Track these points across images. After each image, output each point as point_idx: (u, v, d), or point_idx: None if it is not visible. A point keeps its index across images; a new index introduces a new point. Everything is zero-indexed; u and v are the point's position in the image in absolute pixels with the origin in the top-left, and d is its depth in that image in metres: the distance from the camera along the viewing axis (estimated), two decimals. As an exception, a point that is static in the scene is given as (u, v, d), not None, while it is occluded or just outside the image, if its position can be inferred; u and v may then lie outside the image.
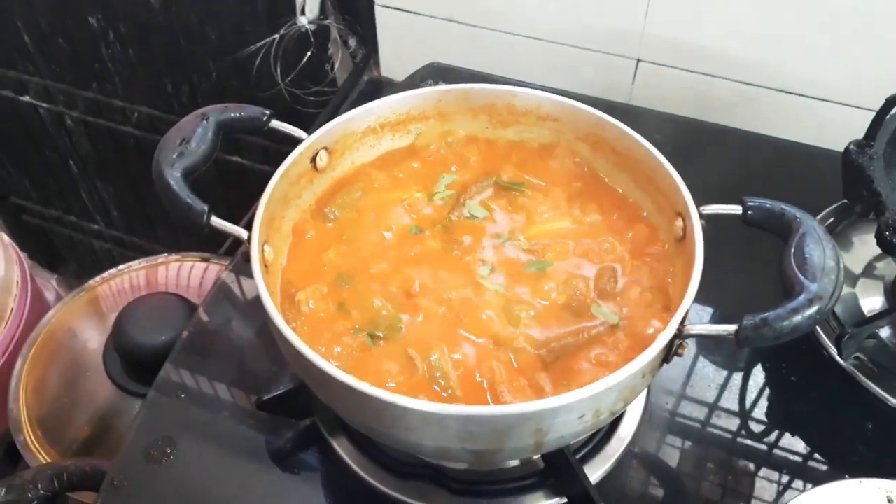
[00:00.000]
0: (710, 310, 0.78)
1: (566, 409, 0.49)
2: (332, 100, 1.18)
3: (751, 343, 0.51)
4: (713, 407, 0.73)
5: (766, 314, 0.50)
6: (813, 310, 0.50)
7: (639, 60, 1.00)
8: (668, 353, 0.53)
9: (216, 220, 0.57)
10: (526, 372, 0.56)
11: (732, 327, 0.51)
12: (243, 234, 0.57)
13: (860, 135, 0.74)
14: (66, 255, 1.96)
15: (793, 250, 0.53)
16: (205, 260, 1.01)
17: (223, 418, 0.69)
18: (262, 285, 0.53)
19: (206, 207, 0.56)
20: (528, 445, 0.51)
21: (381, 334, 0.58)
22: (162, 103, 1.46)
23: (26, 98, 1.57)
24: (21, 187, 1.81)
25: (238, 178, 1.45)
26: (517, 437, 0.50)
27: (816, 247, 0.53)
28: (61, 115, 1.58)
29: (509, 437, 0.50)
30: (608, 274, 0.62)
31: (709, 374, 0.75)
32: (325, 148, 0.66)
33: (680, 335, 0.52)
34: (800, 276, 0.52)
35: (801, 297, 0.50)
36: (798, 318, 0.50)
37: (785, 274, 0.53)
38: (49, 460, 0.85)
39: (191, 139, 0.59)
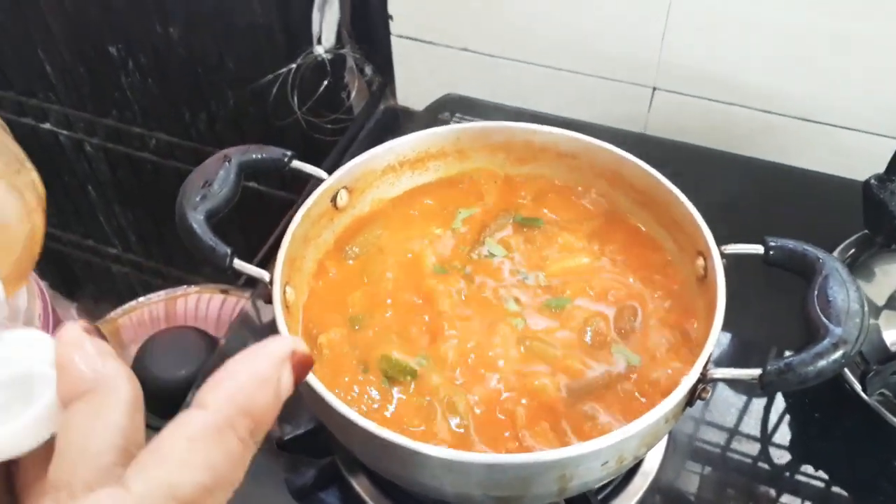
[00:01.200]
0: (731, 341, 0.78)
1: (590, 457, 0.48)
2: (349, 129, 1.19)
3: (775, 388, 0.51)
4: (734, 432, 0.72)
5: (790, 359, 0.50)
6: (838, 354, 0.49)
7: (655, 89, 1.00)
8: (692, 397, 0.53)
9: (238, 263, 0.57)
10: (548, 414, 0.55)
11: (756, 372, 0.50)
12: (265, 276, 0.58)
13: (883, 163, 0.74)
14: (83, 280, 1.98)
15: (816, 293, 0.53)
16: (223, 292, 1.02)
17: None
18: (283, 329, 0.54)
19: (228, 251, 0.57)
20: (551, 492, 0.51)
21: (402, 377, 0.58)
22: (180, 130, 1.48)
23: (47, 125, 1.59)
24: (40, 212, 1.84)
25: (255, 204, 1.47)
26: (541, 484, 0.50)
27: (840, 289, 0.53)
28: (81, 142, 1.60)
29: (533, 485, 0.50)
30: (628, 313, 0.62)
31: (730, 398, 0.74)
32: (346, 187, 0.67)
33: (703, 379, 0.52)
34: (823, 319, 0.51)
35: (826, 342, 0.50)
36: (822, 362, 0.49)
37: (808, 317, 0.52)
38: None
39: (213, 182, 0.60)
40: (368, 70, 1.23)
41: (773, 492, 0.68)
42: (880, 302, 0.81)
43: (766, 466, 0.70)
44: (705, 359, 0.52)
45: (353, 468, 0.66)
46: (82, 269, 1.94)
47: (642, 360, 0.59)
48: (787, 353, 0.51)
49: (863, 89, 0.90)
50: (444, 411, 0.55)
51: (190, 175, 0.61)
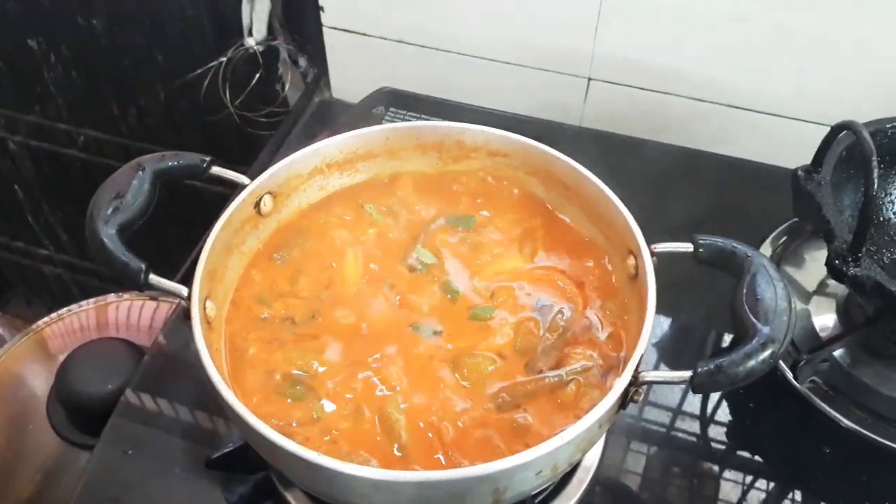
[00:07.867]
0: (668, 330, 0.78)
1: (523, 468, 0.48)
2: (283, 123, 1.15)
3: (706, 389, 0.50)
4: (677, 412, 0.73)
5: (720, 360, 0.49)
6: (766, 353, 0.50)
7: (590, 79, 1.00)
8: (624, 400, 0.52)
9: (154, 278, 0.55)
10: (480, 425, 0.54)
11: (687, 374, 0.50)
12: (182, 291, 0.55)
13: (812, 150, 0.74)
14: (14, 283, 1.90)
15: (744, 291, 0.53)
16: (154, 299, 0.98)
17: (174, 474, 0.67)
18: (203, 348, 0.51)
19: (143, 266, 0.54)
20: (486, 504, 0.50)
21: (329, 387, 0.56)
22: (108, 126, 1.42)
23: (-35, 123, 1.51)
24: (-37, 215, 1.75)
25: (191, 199, 1.42)
26: (475, 498, 0.49)
27: (768, 287, 0.53)
28: (3, 140, 1.53)
29: (466, 499, 0.49)
30: (560, 315, 0.61)
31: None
32: (270, 192, 0.64)
33: (635, 383, 0.52)
34: (752, 318, 0.51)
35: (754, 342, 0.50)
36: (752, 362, 0.49)
37: (737, 316, 0.53)
38: (-8, 519, 0.81)
39: (126, 193, 0.57)
40: (302, 61, 1.19)
41: (714, 467, 0.69)
42: (811, 288, 0.82)
43: (706, 449, 0.70)
44: (636, 362, 0.51)
45: (287, 482, 0.64)
46: (12, 271, 1.87)
47: (575, 363, 0.58)
48: (722, 352, 0.51)
49: (792, 78, 0.91)
50: (374, 422, 0.54)
51: (101, 186, 0.58)
